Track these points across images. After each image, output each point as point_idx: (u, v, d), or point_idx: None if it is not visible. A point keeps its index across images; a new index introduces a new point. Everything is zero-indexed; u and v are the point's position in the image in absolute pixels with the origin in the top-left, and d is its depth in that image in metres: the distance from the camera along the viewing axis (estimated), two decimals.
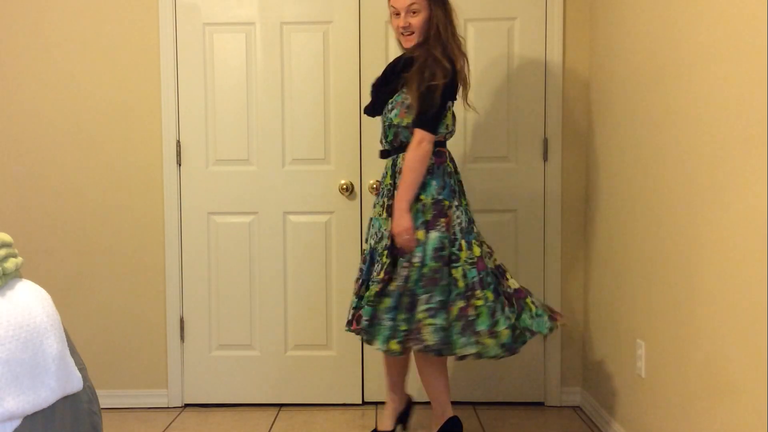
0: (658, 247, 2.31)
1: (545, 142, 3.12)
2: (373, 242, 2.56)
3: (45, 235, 3.15)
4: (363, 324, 2.44)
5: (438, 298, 2.35)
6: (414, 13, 2.41)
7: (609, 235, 2.81)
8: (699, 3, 2.02)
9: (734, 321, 1.82)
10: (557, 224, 3.13)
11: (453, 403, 3.10)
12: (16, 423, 1.44)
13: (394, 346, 2.39)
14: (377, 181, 2.75)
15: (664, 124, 2.25)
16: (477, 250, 2.44)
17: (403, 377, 2.73)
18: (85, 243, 3.16)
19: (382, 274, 2.43)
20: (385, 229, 2.50)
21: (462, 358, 2.40)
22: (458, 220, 2.46)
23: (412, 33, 2.44)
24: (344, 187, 3.12)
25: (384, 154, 2.60)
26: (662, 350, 2.28)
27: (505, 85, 3.11)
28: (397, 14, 2.45)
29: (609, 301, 2.81)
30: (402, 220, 2.39)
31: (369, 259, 2.56)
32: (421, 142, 2.40)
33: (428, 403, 2.73)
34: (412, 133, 2.42)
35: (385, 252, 2.46)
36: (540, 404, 3.18)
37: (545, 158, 3.12)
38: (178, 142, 3.15)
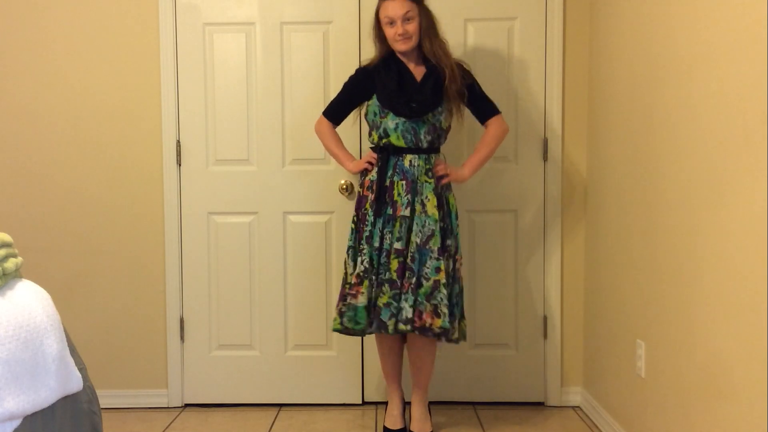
0: (657, 247, 2.31)
1: (545, 142, 3.12)
2: (419, 240, 2.58)
3: (45, 235, 3.15)
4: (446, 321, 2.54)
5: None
6: (409, 20, 2.60)
7: (609, 235, 2.81)
8: (698, 3, 2.02)
9: (734, 321, 1.82)
10: (557, 224, 3.13)
11: (453, 403, 3.15)
12: (16, 423, 1.44)
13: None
14: (368, 179, 2.72)
15: (663, 123, 2.25)
16: None
17: None
18: (85, 243, 3.16)
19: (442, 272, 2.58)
20: (432, 224, 2.60)
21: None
22: None
23: (410, 38, 2.62)
24: (344, 187, 3.12)
25: (414, 151, 2.65)
26: (662, 350, 2.28)
27: (505, 85, 3.11)
28: (391, 23, 2.60)
29: (609, 301, 2.81)
30: (467, 177, 2.77)
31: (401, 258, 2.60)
32: (503, 123, 2.80)
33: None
34: (443, 136, 2.73)
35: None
36: (540, 404, 3.18)
37: (545, 158, 3.12)
38: (178, 142, 3.15)
